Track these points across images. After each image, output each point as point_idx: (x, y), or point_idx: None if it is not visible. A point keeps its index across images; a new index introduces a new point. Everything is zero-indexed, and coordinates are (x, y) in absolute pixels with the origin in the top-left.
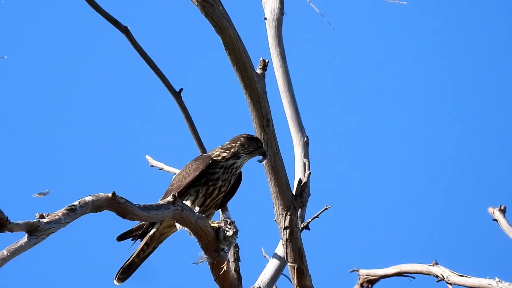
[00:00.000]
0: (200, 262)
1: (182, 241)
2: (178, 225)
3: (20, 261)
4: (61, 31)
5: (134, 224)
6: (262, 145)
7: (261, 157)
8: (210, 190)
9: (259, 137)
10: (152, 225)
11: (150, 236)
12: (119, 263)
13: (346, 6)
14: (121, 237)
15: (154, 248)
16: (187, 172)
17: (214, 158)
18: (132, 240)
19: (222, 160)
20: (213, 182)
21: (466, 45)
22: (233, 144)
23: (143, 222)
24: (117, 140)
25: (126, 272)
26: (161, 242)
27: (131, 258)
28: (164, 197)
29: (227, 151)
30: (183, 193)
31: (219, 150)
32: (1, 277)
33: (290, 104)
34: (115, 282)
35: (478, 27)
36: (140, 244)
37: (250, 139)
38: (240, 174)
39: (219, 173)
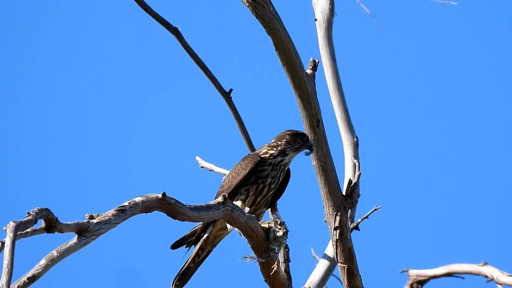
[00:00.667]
0: (249, 259)
1: (233, 243)
2: (229, 226)
3: (70, 262)
4: (111, 32)
5: (188, 230)
6: (308, 139)
7: (308, 151)
8: (260, 188)
9: (304, 132)
10: (205, 229)
11: (204, 240)
12: (174, 270)
13: (396, 7)
14: (175, 245)
15: (209, 252)
16: (237, 172)
17: (262, 156)
18: (186, 247)
19: (270, 158)
20: (263, 180)
21: None
22: (279, 142)
23: (196, 228)
24: (167, 141)
25: (182, 279)
26: (215, 245)
27: (187, 264)
28: (215, 199)
29: (274, 149)
30: (233, 193)
31: (266, 148)
32: (52, 278)
33: (339, 105)
34: None
35: None
36: (195, 249)
37: (295, 135)
38: (288, 171)
39: (267, 171)
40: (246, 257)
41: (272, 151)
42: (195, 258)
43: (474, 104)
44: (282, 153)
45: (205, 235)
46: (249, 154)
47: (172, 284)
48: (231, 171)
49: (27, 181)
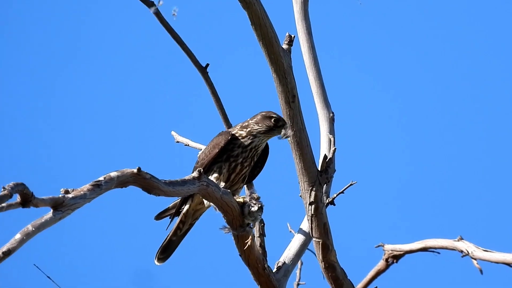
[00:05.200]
0: (226, 231)
1: (211, 216)
2: (206, 202)
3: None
4: (86, 5)
5: (170, 202)
6: (283, 124)
7: (279, 136)
8: (232, 166)
9: (281, 116)
10: (184, 203)
11: (183, 214)
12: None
13: None
14: (159, 216)
15: (191, 225)
16: (209, 150)
17: (234, 134)
18: (170, 218)
19: (239, 138)
20: (234, 159)
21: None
22: (250, 122)
23: (179, 200)
24: (143, 116)
25: (165, 252)
26: (197, 218)
27: (168, 237)
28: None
29: (244, 129)
30: (207, 170)
31: (238, 127)
32: (28, 252)
33: (316, 80)
34: (155, 262)
35: None
36: (176, 222)
37: (266, 117)
38: (266, 146)
39: (238, 151)
40: (223, 228)
41: (241, 132)
42: (176, 231)
43: (451, 79)
44: (251, 134)
45: (185, 209)
46: (222, 132)
47: (156, 257)
48: (205, 148)
49: (2, 156)
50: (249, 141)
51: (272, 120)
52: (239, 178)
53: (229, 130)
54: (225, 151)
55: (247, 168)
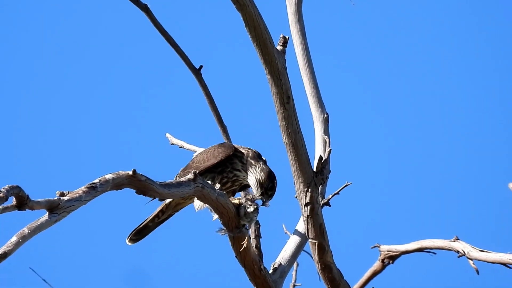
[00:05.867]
0: (222, 233)
1: (203, 220)
2: (197, 205)
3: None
4: (79, 7)
5: None
6: (270, 194)
7: (258, 196)
8: (224, 180)
9: (275, 189)
10: None
11: (166, 204)
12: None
13: None
14: None
15: (170, 215)
16: (208, 157)
17: (236, 153)
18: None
19: (236, 162)
20: (226, 174)
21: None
22: (261, 162)
23: None
24: (137, 118)
25: (139, 234)
26: (177, 211)
27: (145, 222)
28: (183, 170)
29: (250, 158)
30: (200, 175)
31: (245, 153)
32: (24, 254)
33: (310, 81)
34: (127, 242)
35: None
36: (156, 210)
37: (269, 178)
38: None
39: (229, 168)
40: (219, 230)
41: (242, 160)
42: (154, 218)
43: (446, 80)
44: (249, 167)
45: (167, 200)
46: (226, 144)
47: (128, 238)
48: (204, 151)
49: None
50: (239, 172)
51: (269, 185)
52: (228, 191)
53: (235, 146)
54: (222, 164)
55: (237, 186)
